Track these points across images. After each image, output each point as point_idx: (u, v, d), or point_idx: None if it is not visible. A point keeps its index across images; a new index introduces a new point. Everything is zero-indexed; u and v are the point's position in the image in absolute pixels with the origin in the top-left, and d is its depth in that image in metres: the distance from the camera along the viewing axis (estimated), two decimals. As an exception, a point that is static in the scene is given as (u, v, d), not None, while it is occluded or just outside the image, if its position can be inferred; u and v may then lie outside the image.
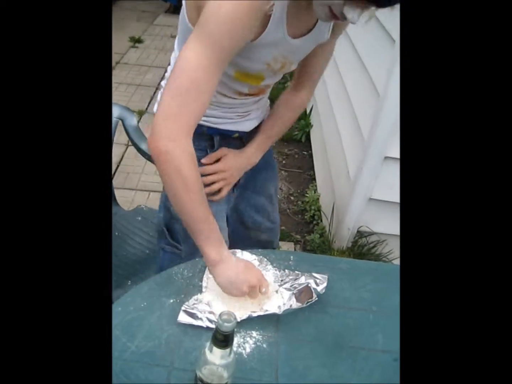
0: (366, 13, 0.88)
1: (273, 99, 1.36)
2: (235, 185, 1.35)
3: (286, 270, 1.10)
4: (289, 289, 1.04)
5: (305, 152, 3.40)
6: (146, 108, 3.78)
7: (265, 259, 1.12)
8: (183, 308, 0.96)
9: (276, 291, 1.04)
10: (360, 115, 2.29)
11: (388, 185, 2.03)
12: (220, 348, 0.75)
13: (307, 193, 2.88)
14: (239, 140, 1.30)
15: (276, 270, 1.10)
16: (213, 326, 0.93)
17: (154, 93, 4.07)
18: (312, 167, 3.21)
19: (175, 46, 1.17)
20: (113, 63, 4.58)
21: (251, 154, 1.30)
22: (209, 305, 0.99)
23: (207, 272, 1.06)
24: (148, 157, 1.70)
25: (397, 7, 0.85)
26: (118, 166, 3.05)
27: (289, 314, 1.00)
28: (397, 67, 1.75)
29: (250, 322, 0.97)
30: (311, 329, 0.99)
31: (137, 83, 4.25)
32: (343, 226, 2.25)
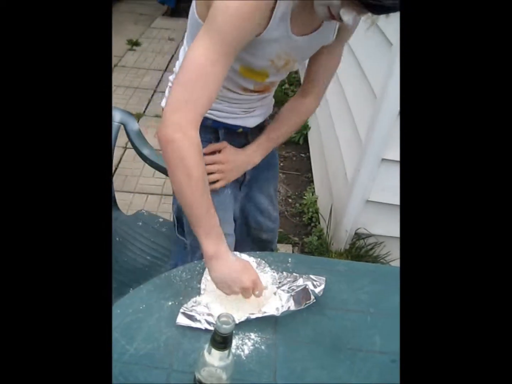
0: (368, 19, 0.92)
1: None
2: (241, 183, 1.36)
3: (284, 272, 1.11)
4: (287, 291, 1.04)
5: (303, 155, 3.40)
6: (144, 111, 3.78)
7: (263, 261, 1.12)
8: (181, 310, 0.97)
9: (274, 293, 1.04)
10: (357, 118, 2.29)
11: (386, 187, 2.03)
12: (219, 350, 0.76)
13: (305, 195, 2.89)
14: (244, 136, 1.32)
15: (274, 272, 1.11)
16: (211, 328, 0.93)
17: (152, 95, 4.08)
18: (310, 170, 3.22)
19: (185, 41, 1.20)
20: (111, 66, 4.58)
21: (252, 153, 1.31)
22: (208, 307, 0.99)
23: (205, 274, 1.06)
24: (149, 162, 1.69)
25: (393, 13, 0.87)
26: (116, 168, 3.05)
27: (287, 316, 1.00)
28: (394, 70, 1.76)
29: (248, 324, 0.98)
30: (309, 331, 1.00)
31: (135, 86, 4.25)
32: (341, 228, 2.26)
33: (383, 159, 1.97)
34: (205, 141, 1.21)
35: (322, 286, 1.05)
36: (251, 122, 1.30)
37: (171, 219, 1.40)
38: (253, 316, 0.98)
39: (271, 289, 1.05)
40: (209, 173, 1.22)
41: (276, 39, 1.02)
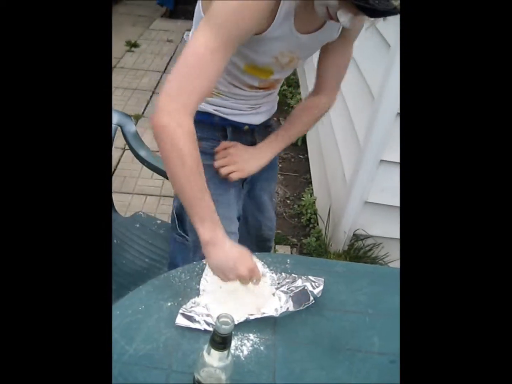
0: (367, 21, 0.94)
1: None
2: (243, 181, 1.37)
3: (283, 273, 1.11)
4: (286, 292, 1.04)
5: (301, 156, 3.41)
6: (143, 113, 3.78)
7: (262, 262, 1.13)
8: (181, 311, 0.97)
9: (273, 294, 1.05)
10: (355, 119, 2.30)
11: (384, 188, 2.04)
12: (218, 350, 0.76)
13: (303, 197, 2.89)
14: (250, 134, 1.33)
15: (273, 273, 1.11)
16: (210, 329, 0.93)
17: (151, 97, 4.08)
18: (308, 171, 3.22)
19: (190, 36, 1.21)
20: (110, 67, 4.58)
21: (265, 149, 1.32)
22: (207, 308, 0.99)
23: (204, 275, 1.06)
24: (147, 164, 1.70)
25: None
26: (114, 170, 3.05)
27: (286, 316, 1.00)
28: (393, 71, 1.76)
29: (247, 325, 0.98)
30: (308, 331, 1.00)
31: (134, 87, 4.25)
32: (339, 229, 2.26)
33: (381, 160, 1.97)
34: (213, 139, 1.25)
35: (321, 287, 1.05)
36: (256, 119, 1.31)
37: (169, 220, 1.40)
38: (252, 317, 0.98)
39: (270, 290, 1.05)
40: (223, 166, 1.25)
41: (280, 36, 1.03)
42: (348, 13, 0.90)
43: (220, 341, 0.75)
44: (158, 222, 1.88)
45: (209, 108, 1.23)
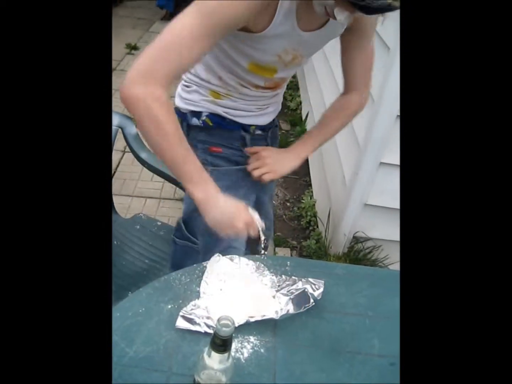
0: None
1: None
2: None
3: (283, 276, 1.11)
4: (286, 295, 1.04)
5: (301, 158, 3.40)
6: (143, 115, 3.77)
7: (262, 265, 1.13)
8: (181, 313, 0.97)
9: (273, 297, 1.05)
10: (355, 121, 2.29)
11: (384, 190, 2.04)
12: (219, 353, 0.76)
13: (303, 199, 2.89)
14: (263, 139, 1.36)
15: (273, 275, 1.11)
16: (210, 331, 0.93)
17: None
18: (308, 173, 3.22)
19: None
20: (109, 70, 4.58)
21: (294, 151, 1.33)
22: (207, 310, 0.99)
23: (204, 277, 1.06)
24: (147, 165, 1.70)
25: (389, 15, 0.88)
26: (114, 172, 3.05)
27: (286, 319, 1.00)
28: (392, 74, 1.77)
29: (247, 327, 0.98)
30: (308, 334, 1.00)
31: (133, 90, 4.25)
32: (339, 231, 2.26)
33: (381, 163, 1.98)
34: (233, 148, 1.27)
35: (321, 290, 1.05)
36: (263, 119, 1.32)
37: (169, 222, 1.40)
38: (252, 319, 0.98)
39: (270, 293, 1.06)
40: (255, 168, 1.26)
41: (282, 34, 1.04)
42: (344, 11, 0.91)
43: (221, 344, 0.75)
44: (159, 223, 1.88)
45: (219, 110, 1.23)
